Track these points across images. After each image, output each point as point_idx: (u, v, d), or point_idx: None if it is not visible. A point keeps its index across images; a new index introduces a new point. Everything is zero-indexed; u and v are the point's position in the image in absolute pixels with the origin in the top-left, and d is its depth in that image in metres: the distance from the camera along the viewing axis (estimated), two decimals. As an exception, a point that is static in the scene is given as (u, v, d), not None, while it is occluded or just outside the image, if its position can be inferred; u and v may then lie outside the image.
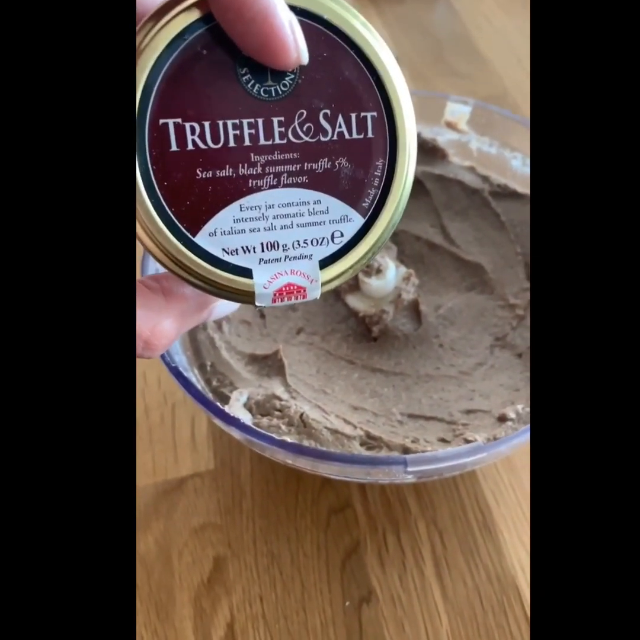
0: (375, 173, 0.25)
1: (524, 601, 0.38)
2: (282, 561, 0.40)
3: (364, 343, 0.44)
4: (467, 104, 0.45)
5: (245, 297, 0.24)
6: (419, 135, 0.46)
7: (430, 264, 0.47)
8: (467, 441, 0.35)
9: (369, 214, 0.25)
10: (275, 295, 0.25)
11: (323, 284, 0.25)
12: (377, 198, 0.25)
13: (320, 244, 0.25)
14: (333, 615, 0.38)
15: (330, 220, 0.25)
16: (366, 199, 0.25)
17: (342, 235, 0.25)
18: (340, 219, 0.25)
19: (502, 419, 0.37)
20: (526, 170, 0.46)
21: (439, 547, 0.40)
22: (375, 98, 0.25)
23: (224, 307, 0.27)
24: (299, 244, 0.25)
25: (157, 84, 0.22)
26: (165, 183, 0.23)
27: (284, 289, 0.25)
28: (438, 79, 0.68)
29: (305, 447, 0.35)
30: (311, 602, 0.38)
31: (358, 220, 0.25)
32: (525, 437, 0.33)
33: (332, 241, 0.25)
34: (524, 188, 0.46)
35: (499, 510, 0.41)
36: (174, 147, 0.23)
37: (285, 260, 0.25)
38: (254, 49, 0.22)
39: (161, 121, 0.23)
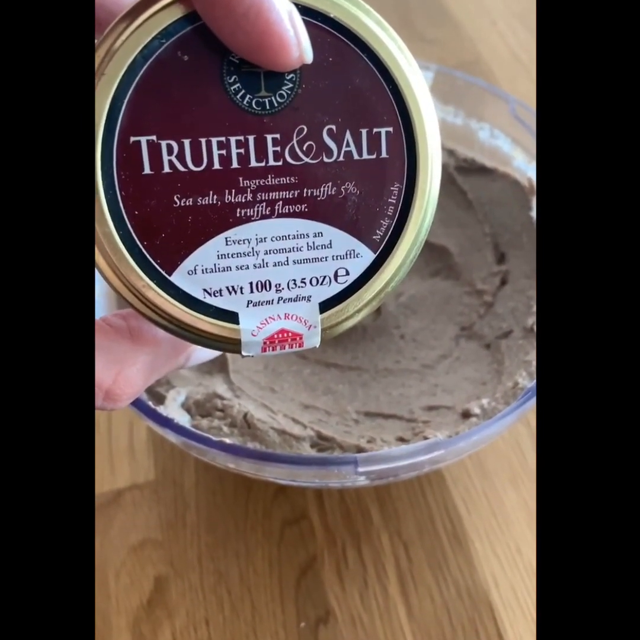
0: (390, 200, 0.24)
1: (497, 618, 0.39)
2: (230, 580, 0.40)
3: (317, 336, 0.44)
4: (428, 70, 0.46)
5: (230, 345, 0.24)
6: None
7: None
8: (428, 440, 0.36)
9: (381, 248, 0.24)
10: (265, 343, 0.24)
11: (324, 330, 0.24)
12: (392, 229, 0.24)
13: (321, 284, 0.24)
14: (287, 638, 0.38)
15: (333, 256, 0.24)
16: (378, 231, 0.24)
17: (347, 273, 0.24)
18: (346, 255, 0.24)
19: (466, 414, 0.38)
20: (494, 142, 0.47)
21: (404, 561, 0.41)
22: (392, 110, 0.23)
23: (205, 351, 0.26)
24: (295, 284, 0.24)
25: (129, 95, 0.21)
26: (137, 212, 0.22)
27: (276, 336, 0.24)
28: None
29: (245, 448, 0.35)
30: (263, 625, 0.39)
31: (367, 256, 0.24)
32: (488, 433, 0.34)
33: (336, 280, 0.24)
34: (493, 162, 0.47)
35: (470, 519, 0.42)
36: (147, 170, 0.22)
37: (278, 302, 0.23)
38: (248, 49, 0.21)
39: (132, 139, 0.22)
